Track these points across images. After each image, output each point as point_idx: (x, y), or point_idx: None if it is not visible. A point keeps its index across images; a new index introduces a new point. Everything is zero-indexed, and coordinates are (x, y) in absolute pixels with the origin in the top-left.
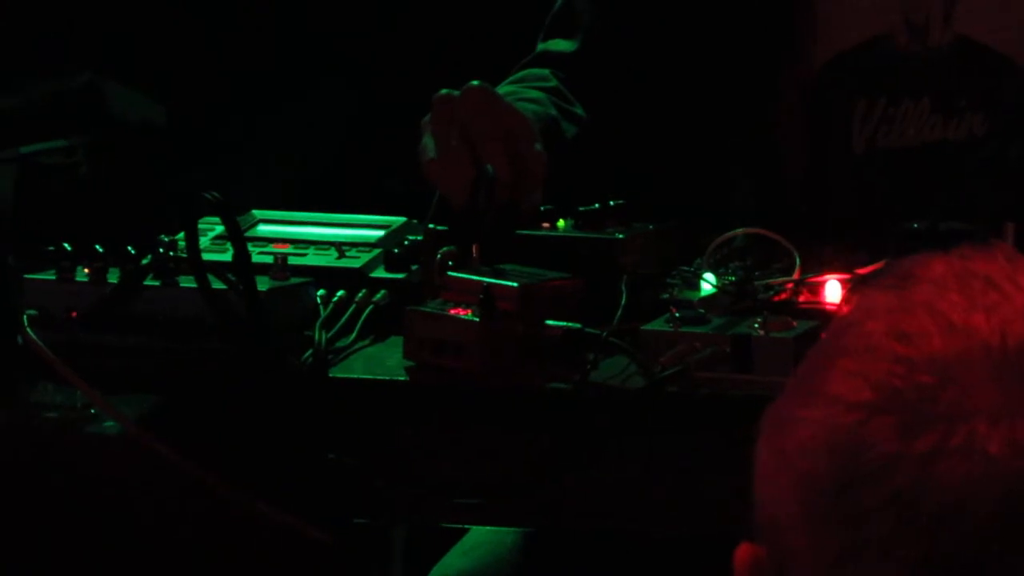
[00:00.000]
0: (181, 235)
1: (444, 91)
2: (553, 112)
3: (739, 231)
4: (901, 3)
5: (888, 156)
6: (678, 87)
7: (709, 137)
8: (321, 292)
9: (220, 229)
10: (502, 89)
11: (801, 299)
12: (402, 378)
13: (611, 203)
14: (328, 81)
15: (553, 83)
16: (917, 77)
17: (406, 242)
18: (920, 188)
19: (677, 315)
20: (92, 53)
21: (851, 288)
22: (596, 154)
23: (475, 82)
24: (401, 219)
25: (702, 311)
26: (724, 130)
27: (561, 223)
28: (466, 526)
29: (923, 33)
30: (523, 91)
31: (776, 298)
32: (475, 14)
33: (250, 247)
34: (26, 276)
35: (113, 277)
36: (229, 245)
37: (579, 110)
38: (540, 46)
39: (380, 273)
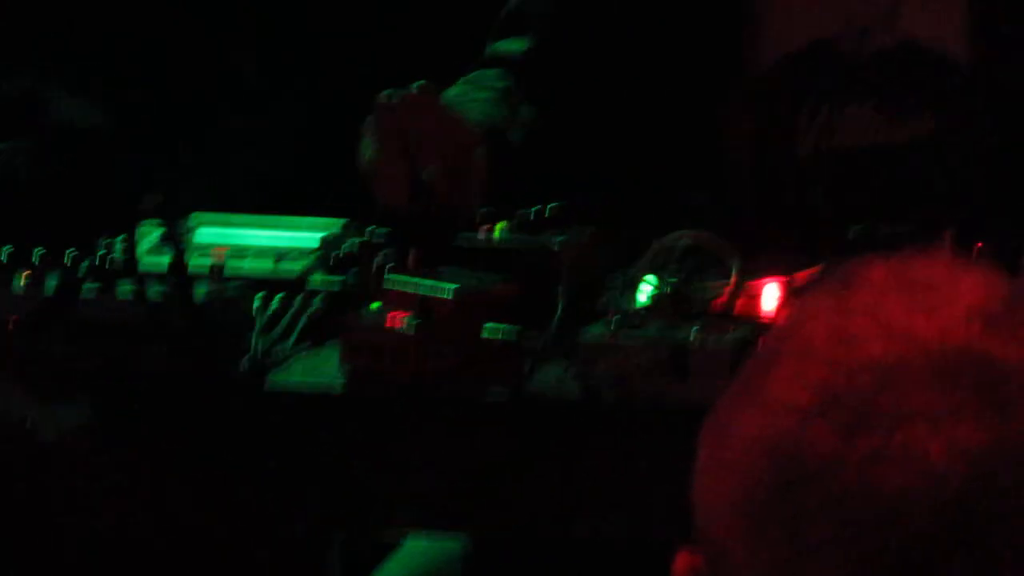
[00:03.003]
0: (120, 239)
1: (386, 92)
2: (501, 113)
3: (677, 234)
4: (844, 6)
5: (833, 159)
6: (626, 89)
7: (657, 139)
8: (259, 296)
9: (158, 233)
10: (453, 90)
11: (739, 304)
12: (339, 384)
13: (550, 206)
14: (280, 82)
15: (503, 84)
16: (861, 80)
17: (344, 246)
18: (865, 191)
19: (615, 321)
20: (33, 56)
21: (790, 292)
22: (544, 156)
23: (416, 85)
24: (340, 222)
25: (640, 317)
26: (672, 132)
27: (500, 226)
28: (403, 535)
29: (866, 35)
30: (473, 92)
31: (715, 303)
32: (424, 14)
33: (190, 253)
34: None
35: (51, 283)
36: (168, 250)
37: (528, 112)
38: (492, 47)
39: (319, 278)
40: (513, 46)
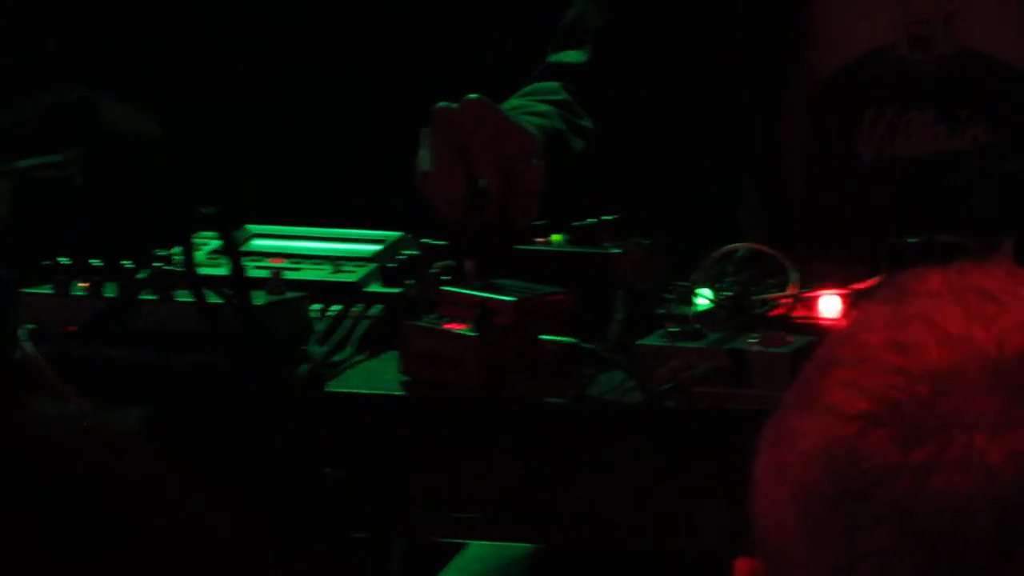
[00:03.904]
0: (177, 249)
1: (443, 103)
2: (560, 125)
3: (735, 245)
4: (904, 15)
5: (896, 165)
6: (684, 98)
7: (714, 149)
8: (317, 307)
9: (216, 243)
10: (511, 103)
11: (797, 314)
12: (398, 393)
13: (606, 217)
14: (328, 94)
15: (562, 96)
16: (921, 88)
17: (401, 257)
18: (925, 198)
19: (673, 330)
20: (87, 67)
21: (849, 302)
22: (604, 167)
23: (473, 95)
24: (397, 233)
25: (698, 326)
26: (729, 142)
27: (556, 237)
28: (463, 541)
29: (926, 44)
30: (531, 104)
31: (771, 313)
32: (482, 26)
33: (245, 261)
34: (22, 290)
35: (110, 291)
36: (224, 259)
37: (587, 123)
38: (550, 58)
39: (376, 288)
40: (571, 57)
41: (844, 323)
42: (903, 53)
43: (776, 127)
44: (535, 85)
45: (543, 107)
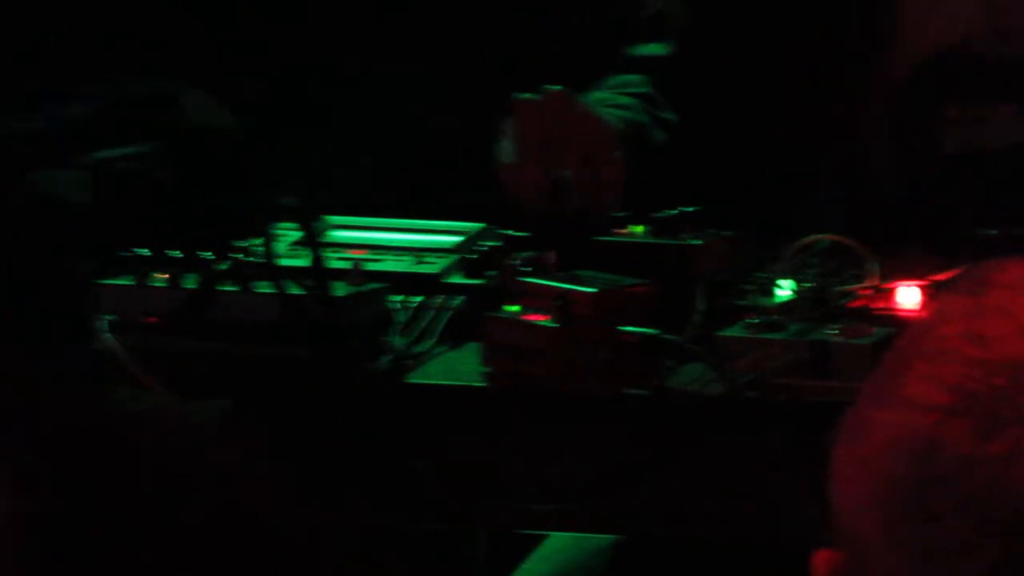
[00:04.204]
0: (257, 240)
1: (525, 95)
2: (643, 118)
3: (815, 237)
4: (986, 10)
5: (981, 157)
6: (768, 91)
7: (798, 141)
8: (398, 298)
9: (296, 235)
10: (594, 96)
11: (877, 305)
12: (479, 384)
13: (686, 209)
14: (405, 87)
15: (645, 89)
16: (1003, 81)
17: (483, 248)
18: (1008, 190)
19: (754, 321)
20: (165, 60)
21: (928, 294)
22: (687, 159)
23: (555, 87)
24: (479, 225)
25: (778, 317)
26: (812, 134)
27: (637, 229)
28: (545, 532)
29: (1006, 39)
30: (614, 97)
31: (852, 305)
32: (562, 21)
33: (326, 252)
34: (103, 282)
35: (190, 283)
36: (305, 250)
37: (670, 115)
38: (633, 51)
39: (457, 279)
40: (654, 50)
41: (923, 315)
42: (985, 47)
43: (859, 120)
44: (619, 77)
45: (626, 100)
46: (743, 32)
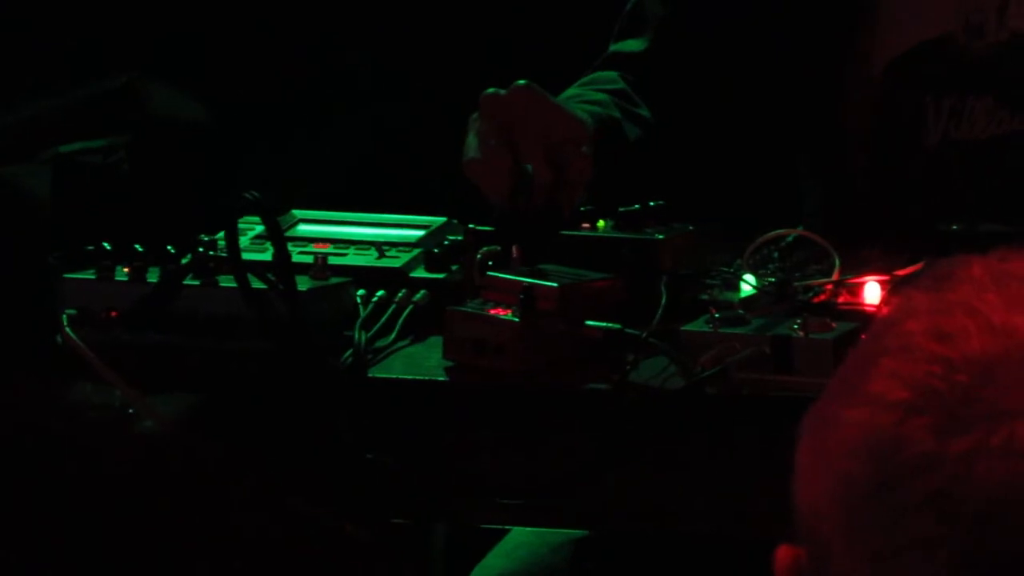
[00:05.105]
0: (221, 234)
1: (491, 90)
2: (616, 114)
3: (780, 232)
4: (958, 4)
5: (962, 149)
6: (744, 86)
7: (774, 137)
8: (361, 292)
9: (260, 228)
10: (568, 92)
11: (840, 300)
12: (442, 378)
13: (651, 204)
14: (371, 80)
15: (620, 85)
16: (979, 74)
17: (446, 242)
18: (987, 183)
19: (716, 316)
20: (131, 54)
21: (891, 289)
22: (660, 155)
23: (521, 81)
24: (442, 219)
25: (741, 312)
26: (790, 130)
27: (601, 224)
28: (506, 527)
29: (980, 32)
30: (587, 93)
31: (816, 299)
32: (527, 15)
33: (290, 247)
34: (66, 275)
35: (153, 276)
36: (269, 245)
37: (644, 112)
38: (611, 47)
39: (420, 273)
40: (631, 46)
41: (887, 310)
42: (960, 41)
43: (837, 115)
44: (594, 74)
45: (599, 96)
46: (721, 27)
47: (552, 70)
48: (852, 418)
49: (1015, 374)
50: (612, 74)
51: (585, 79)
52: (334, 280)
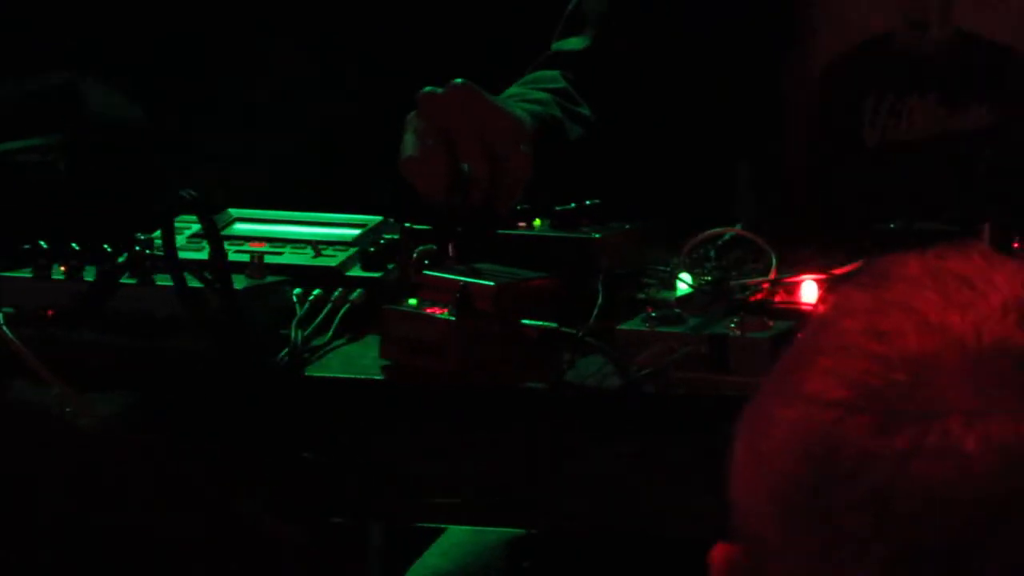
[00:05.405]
0: (157, 233)
1: (428, 88)
2: (556, 113)
3: (717, 230)
4: (900, 1)
5: (901, 147)
6: (683, 86)
7: (714, 135)
8: (297, 291)
9: (196, 227)
10: (509, 91)
11: (777, 299)
12: (378, 377)
13: (587, 202)
14: (308, 79)
15: (561, 84)
16: (920, 73)
17: (382, 241)
18: (928, 182)
19: (653, 315)
20: (68, 52)
21: (827, 287)
22: (602, 154)
23: (458, 80)
24: (377, 218)
25: (678, 311)
26: (729, 128)
27: (537, 222)
28: (443, 526)
29: (923, 29)
30: (528, 92)
31: (752, 298)
32: (469, 14)
33: (226, 246)
34: (1, 274)
35: (89, 275)
36: (205, 243)
37: (585, 111)
38: (553, 45)
39: (356, 272)
40: (572, 44)
41: (824, 309)
42: (903, 38)
43: (777, 113)
44: (535, 74)
45: (540, 95)
46: (660, 25)
47: (496, 68)
48: (788, 417)
49: (950, 372)
50: (554, 73)
51: (527, 78)
52: (270, 279)
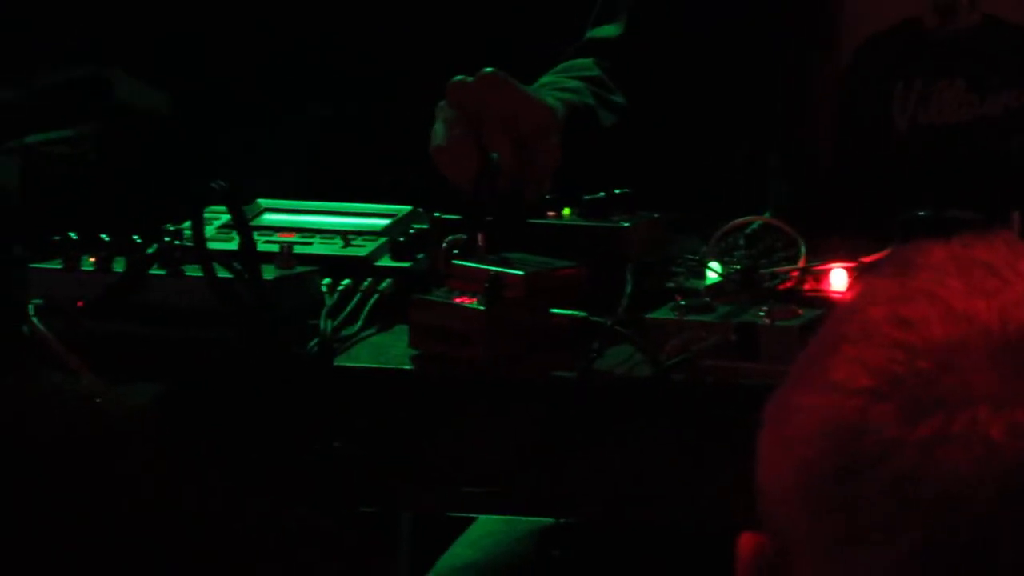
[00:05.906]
0: (187, 224)
1: (458, 77)
2: (590, 101)
3: (746, 219)
4: None
5: (932, 133)
6: (713, 74)
7: (744, 122)
8: (327, 281)
9: (226, 218)
10: (544, 79)
11: (806, 287)
12: (407, 367)
13: (616, 192)
14: (337, 70)
15: (595, 72)
16: (948, 58)
17: (412, 231)
18: (957, 167)
19: (682, 303)
20: (98, 44)
21: (855, 276)
22: (632, 142)
23: (489, 68)
24: (407, 208)
25: (707, 299)
26: (759, 116)
27: (566, 211)
28: (473, 515)
29: (951, 15)
30: (562, 81)
31: (781, 287)
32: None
33: (256, 236)
34: (32, 265)
35: (119, 266)
36: (235, 234)
37: (619, 98)
38: (587, 33)
39: (386, 262)
40: (606, 32)
41: (849, 297)
42: (931, 24)
43: (806, 100)
44: (569, 62)
45: (574, 83)
46: (693, 12)
47: (527, 58)
48: (814, 405)
49: (975, 360)
50: (587, 61)
51: (560, 66)
52: (300, 269)
